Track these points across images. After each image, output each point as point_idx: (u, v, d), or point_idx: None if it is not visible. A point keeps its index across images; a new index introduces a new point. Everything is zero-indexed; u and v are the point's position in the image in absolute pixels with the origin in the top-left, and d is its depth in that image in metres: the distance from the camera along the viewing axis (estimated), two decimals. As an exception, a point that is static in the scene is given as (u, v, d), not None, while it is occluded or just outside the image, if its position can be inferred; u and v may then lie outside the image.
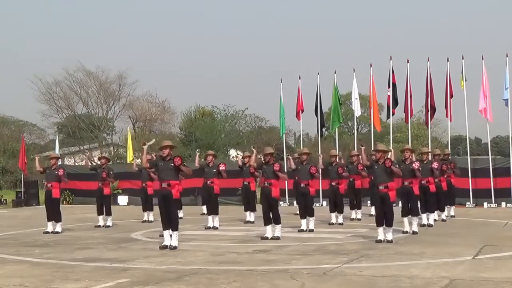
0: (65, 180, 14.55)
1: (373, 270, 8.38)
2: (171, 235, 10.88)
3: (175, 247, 10.77)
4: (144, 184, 16.71)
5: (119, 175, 25.28)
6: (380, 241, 11.36)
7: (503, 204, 21.44)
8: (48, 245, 12.05)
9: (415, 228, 12.92)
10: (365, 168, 13.99)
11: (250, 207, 16.22)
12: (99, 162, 17.28)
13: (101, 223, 15.80)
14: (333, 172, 15.53)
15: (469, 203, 21.76)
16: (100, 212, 15.90)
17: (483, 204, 21.65)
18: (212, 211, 14.86)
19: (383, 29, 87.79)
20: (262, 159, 12.76)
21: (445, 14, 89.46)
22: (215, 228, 14.59)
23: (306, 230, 13.49)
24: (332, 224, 15.32)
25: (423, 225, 14.18)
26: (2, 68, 77.17)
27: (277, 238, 12.04)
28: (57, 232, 14.13)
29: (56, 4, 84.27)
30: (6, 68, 76.00)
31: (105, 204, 15.92)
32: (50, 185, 14.34)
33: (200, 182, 15.79)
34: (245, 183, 16.17)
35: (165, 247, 10.80)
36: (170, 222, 10.89)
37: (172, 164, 10.86)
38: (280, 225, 12.27)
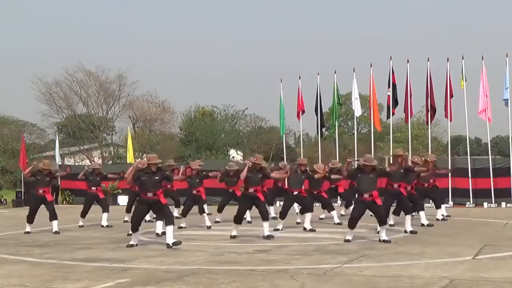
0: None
1: (373, 270, 8.38)
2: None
3: (168, 245, 10.86)
4: None
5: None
6: (348, 240, 11.50)
7: (503, 204, 21.44)
8: (48, 245, 12.05)
9: (408, 227, 12.98)
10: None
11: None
12: (89, 168, 17.19)
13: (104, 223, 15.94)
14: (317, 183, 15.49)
15: (469, 203, 21.76)
16: (85, 215, 16.20)
17: (483, 204, 21.64)
18: (201, 212, 15.10)
19: (383, 29, 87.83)
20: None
21: (445, 14, 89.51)
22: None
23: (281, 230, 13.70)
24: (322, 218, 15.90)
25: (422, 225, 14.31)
26: (2, 68, 77.24)
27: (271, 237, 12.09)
28: (57, 232, 14.13)
29: (56, 4, 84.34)
30: (6, 68, 76.07)
31: (103, 205, 16.16)
32: (42, 190, 14.30)
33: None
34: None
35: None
36: (165, 218, 11.21)
37: (157, 177, 11.22)
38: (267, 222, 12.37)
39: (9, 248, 11.54)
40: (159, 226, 12.44)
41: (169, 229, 10.97)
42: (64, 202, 27.82)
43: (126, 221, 16.72)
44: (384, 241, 11.36)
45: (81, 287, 7.53)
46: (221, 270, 8.57)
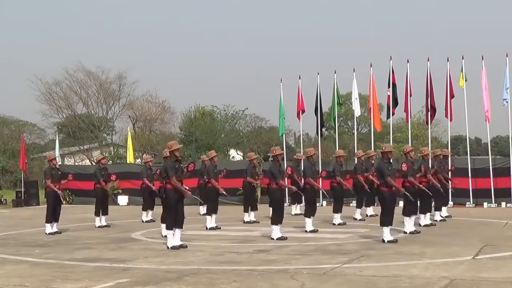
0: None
1: (373, 270, 8.39)
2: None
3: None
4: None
5: (119, 175, 25.19)
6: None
7: (503, 204, 21.40)
8: (48, 245, 12.05)
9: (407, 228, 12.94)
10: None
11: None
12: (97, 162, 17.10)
13: (103, 223, 15.86)
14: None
15: (469, 203, 21.74)
16: (101, 213, 15.96)
17: (483, 204, 21.61)
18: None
19: (383, 29, 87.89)
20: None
21: (445, 14, 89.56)
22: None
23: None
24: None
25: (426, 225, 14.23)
26: (2, 68, 77.25)
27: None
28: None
29: (56, 4, 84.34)
30: (6, 68, 76.08)
31: (106, 204, 16.06)
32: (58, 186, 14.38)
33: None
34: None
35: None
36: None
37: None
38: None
39: (9, 248, 11.54)
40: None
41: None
42: (64, 202, 27.75)
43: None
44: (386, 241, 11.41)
45: (81, 287, 7.53)
46: (221, 270, 8.57)
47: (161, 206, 11.54)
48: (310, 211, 13.65)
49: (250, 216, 16.32)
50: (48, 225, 14.08)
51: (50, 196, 14.23)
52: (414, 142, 33.48)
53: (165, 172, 10.99)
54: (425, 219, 14.35)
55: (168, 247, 10.81)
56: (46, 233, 13.91)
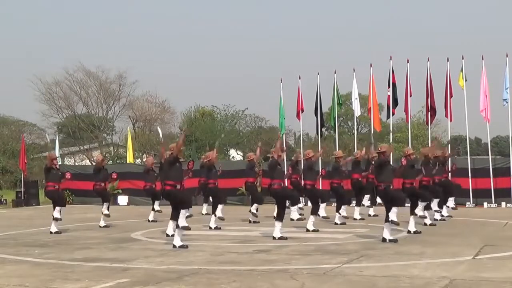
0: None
1: (373, 270, 8.39)
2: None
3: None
4: (154, 185, 16.74)
5: (119, 175, 25.24)
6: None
7: (503, 204, 21.42)
8: (48, 245, 12.05)
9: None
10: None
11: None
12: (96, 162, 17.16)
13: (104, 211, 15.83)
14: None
15: (469, 203, 21.75)
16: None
17: (483, 204, 21.64)
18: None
19: (383, 29, 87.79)
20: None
21: (445, 14, 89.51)
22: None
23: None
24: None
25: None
26: (2, 68, 77.23)
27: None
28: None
29: (56, 4, 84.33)
30: (6, 68, 76.07)
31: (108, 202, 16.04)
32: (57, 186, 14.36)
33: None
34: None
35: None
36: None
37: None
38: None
39: (9, 248, 11.54)
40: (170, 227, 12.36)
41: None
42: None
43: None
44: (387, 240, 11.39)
45: (81, 287, 7.53)
46: (221, 270, 8.57)
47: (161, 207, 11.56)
48: (315, 210, 13.78)
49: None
50: (56, 212, 13.96)
51: (51, 195, 14.27)
52: (414, 142, 33.44)
53: (164, 173, 11.02)
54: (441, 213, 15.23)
55: (175, 246, 10.87)
56: (51, 232, 13.94)
